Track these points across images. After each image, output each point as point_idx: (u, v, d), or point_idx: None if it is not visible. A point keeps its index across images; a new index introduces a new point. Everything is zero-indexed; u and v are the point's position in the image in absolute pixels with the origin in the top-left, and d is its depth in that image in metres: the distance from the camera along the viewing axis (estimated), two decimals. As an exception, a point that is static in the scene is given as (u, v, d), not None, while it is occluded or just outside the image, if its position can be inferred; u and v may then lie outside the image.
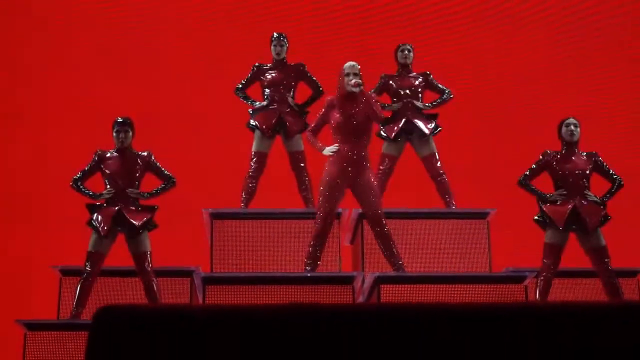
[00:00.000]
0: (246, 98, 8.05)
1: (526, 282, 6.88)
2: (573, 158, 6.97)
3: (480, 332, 2.32)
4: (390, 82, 8.06)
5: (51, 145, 10.39)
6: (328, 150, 6.84)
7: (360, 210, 7.30)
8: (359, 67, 6.82)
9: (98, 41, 10.83)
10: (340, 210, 7.22)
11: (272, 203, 8.17)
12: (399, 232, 7.30)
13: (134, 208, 6.80)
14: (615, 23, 11.19)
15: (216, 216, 7.64)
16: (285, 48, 8.05)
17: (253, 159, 7.93)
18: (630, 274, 7.65)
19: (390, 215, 7.11)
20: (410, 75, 8.10)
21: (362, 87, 6.75)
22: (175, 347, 2.36)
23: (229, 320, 2.20)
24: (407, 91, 8.00)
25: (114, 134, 6.90)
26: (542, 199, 6.92)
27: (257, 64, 8.09)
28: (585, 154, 7.01)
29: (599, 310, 2.36)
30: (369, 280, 6.88)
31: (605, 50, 11.07)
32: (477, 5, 11.25)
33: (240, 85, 8.08)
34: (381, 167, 7.95)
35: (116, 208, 6.74)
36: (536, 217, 6.96)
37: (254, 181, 7.89)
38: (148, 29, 10.97)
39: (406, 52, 8.13)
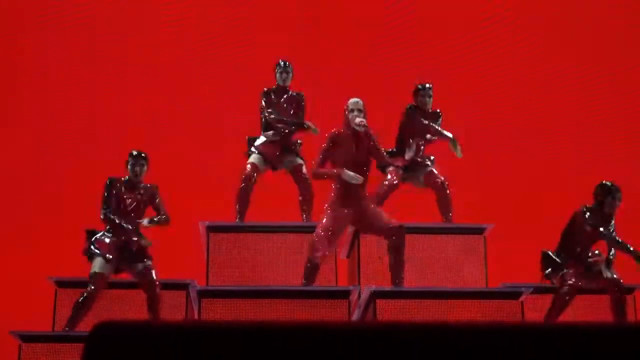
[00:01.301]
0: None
1: (522, 298, 6.87)
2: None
3: (476, 353, 2.31)
4: (415, 119, 7.87)
5: (48, 157, 10.37)
6: (347, 175, 6.61)
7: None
8: (363, 103, 6.81)
9: (97, 49, 10.82)
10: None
11: (269, 216, 8.13)
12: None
13: (135, 239, 6.84)
14: (616, 28, 11.23)
15: (212, 229, 7.62)
16: (290, 76, 8.01)
17: (247, 170, 7.86)
18: (627, 290, 7.64)
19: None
20: (429, 115, 7.93)
21: (366, 127, 6.72)
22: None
23: (228, 338, 2.19)
24: (427, 135, 7.93)
25: (129, 167, 6.92)
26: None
27: (265, 89, 7.98)
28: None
29: (597, 330, 2.36)
30: (364, 295, 6.86)
31: (608, 56, 11.10)
32: (476, 10, 11.30)
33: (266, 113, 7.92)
34: (386, 182, 7.86)
35: (122, 238, 6.80)
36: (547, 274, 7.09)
37: (247, 193, 7.81)
38: (148, 36, 10.96)
39: (427, 98, 7.91)
